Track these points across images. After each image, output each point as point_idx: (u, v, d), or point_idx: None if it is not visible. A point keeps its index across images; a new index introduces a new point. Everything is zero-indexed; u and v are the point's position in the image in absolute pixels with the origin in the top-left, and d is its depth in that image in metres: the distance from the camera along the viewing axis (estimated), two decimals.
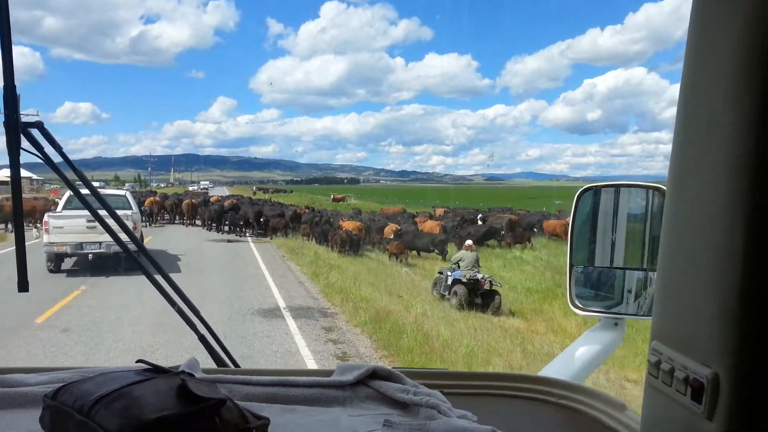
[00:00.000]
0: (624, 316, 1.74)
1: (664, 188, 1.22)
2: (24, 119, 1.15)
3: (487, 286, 14.42)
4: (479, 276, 14.55)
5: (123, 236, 1.38)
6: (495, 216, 34.73)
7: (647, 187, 1.72)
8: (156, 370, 0.83)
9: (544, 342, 11.72)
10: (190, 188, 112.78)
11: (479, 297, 14.49)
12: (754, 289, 0.63)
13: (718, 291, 0.66)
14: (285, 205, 39.71)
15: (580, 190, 1.79)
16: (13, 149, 1.12)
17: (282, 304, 12.39)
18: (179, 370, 0.92)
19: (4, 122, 1.13)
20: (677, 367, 0.71)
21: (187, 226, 31.66)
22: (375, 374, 1.04)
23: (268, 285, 14.57)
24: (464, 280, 14.47)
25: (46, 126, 1.19)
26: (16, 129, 1.12)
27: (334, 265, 18.33)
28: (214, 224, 30.13)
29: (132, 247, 1.46)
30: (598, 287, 1.84)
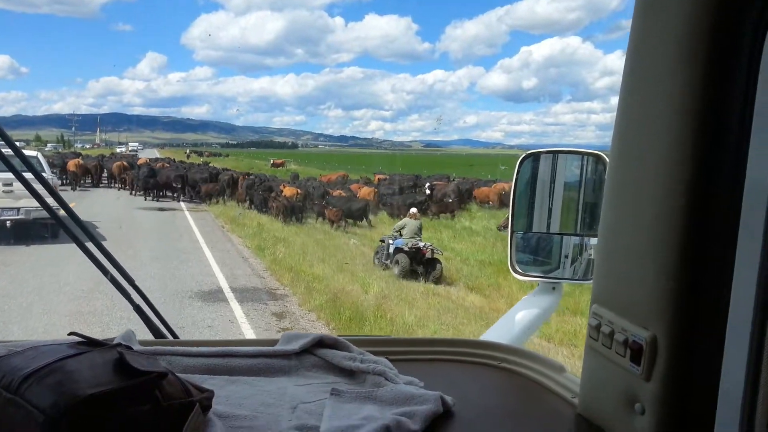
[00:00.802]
0: (561, 280, 1.77)
1: (604, 156, 1.58)
2: None
3: (428, 255, 14.30)
4: (421, 244, 14.38)
5: (50, 200, 1.33)
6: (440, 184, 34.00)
7: (587, 154, 1.72)
8: (91, 343, 0.77)
9: None
10: (118, 150, 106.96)
11: (421, 265, 14.31)
12: (691, 255, 0.67)
13: (656, 257, 0.69)
14: (223, 170, 37.96)
15: (522, 156, 1.76)
16: None
17: (225, 284, 11.04)
18: (115, 342, 0.83)
19: None
20: (617, 330, 0.74)
21: (119, 191, 29.35)
22: (321, 343, 1.00)
23: (207, 261, 13.11)
24: (406, 248, 14.27)
25: None
26: None
27: (280, 238, 16.99)
28: (142, 190, 27.75)
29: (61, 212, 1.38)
30: (536, 252, 1.83)
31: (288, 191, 24.58)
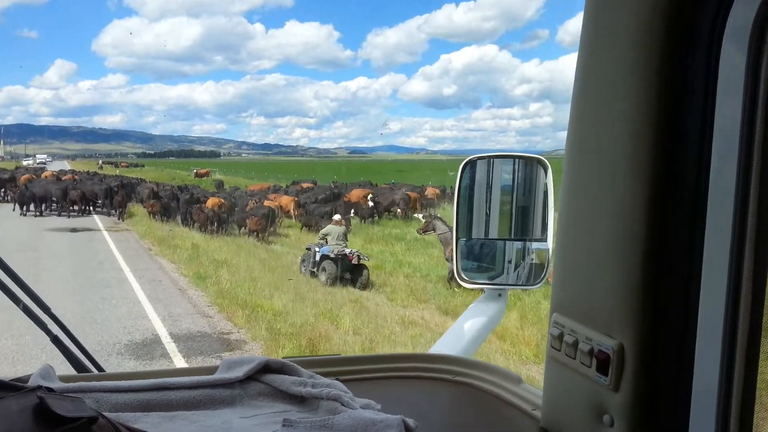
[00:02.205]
0: (506, 286, 1.77)
1: (545, 160, 1.62)
2: None
3: (355, 261, 14.20)
4: (347, 251, 14.31)
5: None
6: (388, 193, 32.40)
7: (528, 159, 1.69)
8: (2, 387, 0.65)
9: (513, 354, 9.35)
10: (24, 163, 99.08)
11: (348, 272, 14.23)
12: (657, 261, 0.65)
13: (620, 263, 0.67)
14: (141, 182, 35.44)
15: (464, 162, 1.72)
16: None
17: (162, 330, 8.70)
18: (31, 384, 0.74)
19: None
20: (581, 339, 0.72)
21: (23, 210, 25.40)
22: (267, 368, 0.93)
23: (135, 297, 10.63)
24: (332, 255, 14.15)
25: None
26: None
27: (221, 261, 14.63)
28: (48, 207, 24.94)
29: None
30: (480, 259, 1.80)
31: (211, 202, 23.74)
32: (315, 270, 14.60)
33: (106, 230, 20.23)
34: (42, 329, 1.25)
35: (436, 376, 1.17)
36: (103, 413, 0.68)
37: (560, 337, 0.76)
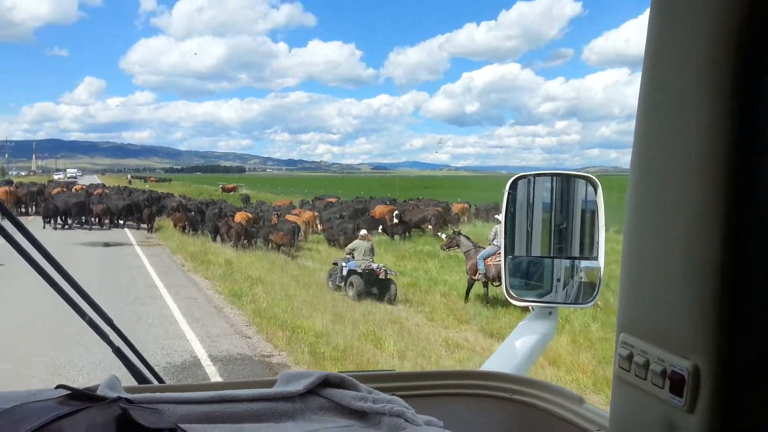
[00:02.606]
0: (555, 304, 1.73)
1: (595, 178, 1.61)
2: None
3: (382, 276, 14.20)
4: (374, 266, 14.29)
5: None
6: (418, 209, 31.92)
7: (578, 177, 1.69)
8: (83, 397, 0.68)
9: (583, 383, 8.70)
10: (55, 177, 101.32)
11: (375, 287, 14.24)
12: (734, 278, 0.63)
13: (694, 282, 0.66)
14: (168, 196, 36.05)
15: (512, 179, 1.74)
16: None
17: (201, 351, 8.30)
18: (99, 391, 0.78)
19: None
20: (653, 360, 0.71)
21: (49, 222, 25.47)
22: (326, 382, 0.93)
23: (172, 316, 10.29)
24: (359, 270, 14.16)
25: None
26: None
27: (255, 277, 14.26)
28: (75, 221, 25.33)
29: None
30: (529, 276, 1.79)
31: (240, 216, 23.86)
32: (342, 284, 14.71)
33: (138, 245, 20.10)
34: (105, 341, 1.27)
35: (493, 394, 1.16)
36: (180, 426, 0.68)
37: (629, 357, 0.73)
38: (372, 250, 15.22)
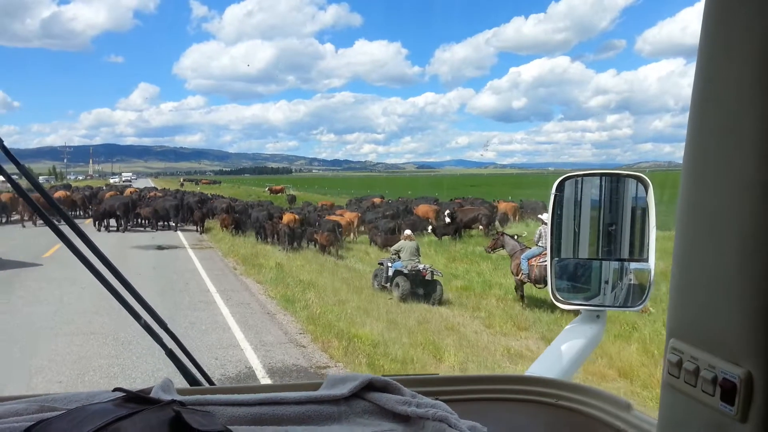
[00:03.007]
0: (604, 308, 1.69)
1: (646, 177, 1.55)
2: None
3: (428, 277, 14.04)
4: (420, 266, 14.14)
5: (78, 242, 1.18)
6: (468, 208, 31.24)
7: (628, 176, 1.65)
8: (139, 400, 0.72)
9: None
10: (111, 180, 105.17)
11: (421, 288, 14.10)
12: None
13: (749, 286, 0.64)
14: (218, 197, 36.77)
15: (558, 179, 1.69)
16: None
17: (255, 361, 8.03)
18: (153, 392, 0.81)
19: None
20: (703, 367, 0.70)
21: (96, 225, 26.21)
22: (370, 385, 0.93)
23: (225, 322, 10.11)
24: (405, 271, 14.05)
25: None
26: None
27: (307, 281, 14.02)
28: (123, 223, 26.00)
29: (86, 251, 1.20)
30: (575, 279, 1.75)
31: (287, 218, 24.04)
32: (387, 285, 14.64)
33: (190, 248, 20.25)
34: (158, 343, 1.29)
35: (538, 399, 1.13)
36: (228, 428, 0.71)
37: (679, 363, 0.72)
38: (417, 251, 15.03)
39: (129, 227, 26.17)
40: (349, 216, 28.19)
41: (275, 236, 21.89)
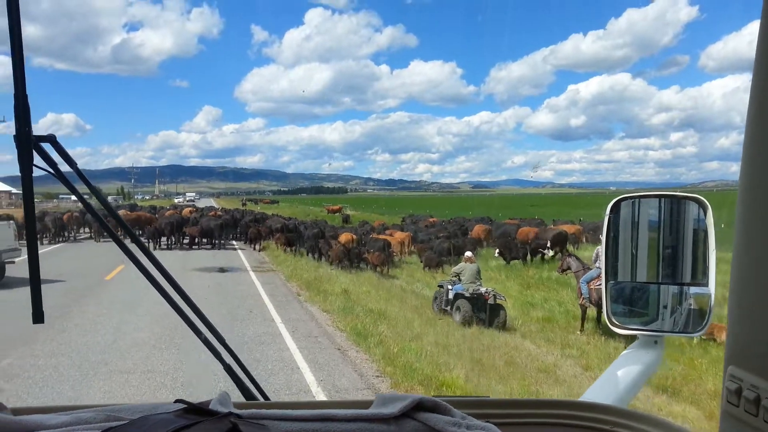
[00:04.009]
0: (662, 333, 1.62)
1: (704, 199, 1.50)
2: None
3: (491, 301, 13.53)
4: (482, 290, 13.69)
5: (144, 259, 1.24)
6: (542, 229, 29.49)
7: (685, 198, 1.60)
8: (200, 411, 0.75)
9: None
10: (176, 200, 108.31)
11: (484, 312, 13.58)
12: None
13: None
14: (273, 216, 38.17)
15: (613, 201, 1.66)
16: (26, 165, 1.03)
17: None
18: (211, 406, 0.83)
19: (15, 137, 1.02)
20: (764, 395, 0.68)
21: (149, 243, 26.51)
22: (420, 405, 0.92)
23: (292, 359, 9.03)
24: (467, 294, 13.67)
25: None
26: (29, 144, 1.03)
27: (377, 311, 12.84)
28: (186, 242, 27.75)
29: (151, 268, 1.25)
30: (632, 303, 1.67)
31: (344, 237, 24.21)
32: (448, 309, 14.25)
33: (252, 270, 19.52)
34: (217, 359, 1.36)
35: (592, 426, 1.10)
36: None
37: (738, 391, 0.71)
38: (479, 273, 14.49)
39: (177, 245, 27.41)
40: (399, 236, 28.07)
41: (329, 256, 21.91)
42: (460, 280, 14.27)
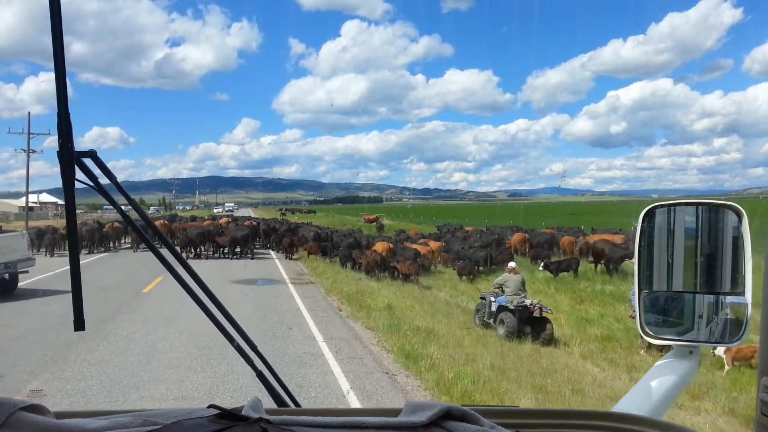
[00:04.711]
0: (698, 343, 1.58)
1: (739, 207, 1.48)
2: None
3: (536, 313, 13.04)
4: (527, 302, 13.15)
5: (182, 270, 1.28)
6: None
7: (720, 205, 1.57)
8: (232, 417, 0.77)
9: None
10: (215, 210, 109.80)
11: (528, 325, 13.04)
12: None
13: None
14: (307, 225, 39.09)
15: (646, 208, 1.62)
16: (68, 180, 1.09)
17: None
18: (244, 412, 0.84)
19: (58, 152, 1.07)
20: None
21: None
22: (449, 414, 0.91)
23: (338, 385, 8.20)
24: (511, 306, 13.19)
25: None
26: (71, 159, 1.08)
27: (424, 329, 11.96)
28: (225, 253, 28.08)
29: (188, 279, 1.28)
30: (666, 313, 1.63)
31: (380, 246, 24.19)
32: (491, 321, 13.83)
33: (291, 283, 18.88)
34: (249, 365, 1.37)
35: None
36: None
37: None
38: (523, 285, 13.95)
39: (208, 255, 28.19)
40: (433, 245, 27.74)
41: (361, 265, 21.99)
42: (503, 291, 13.74)
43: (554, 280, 23.28)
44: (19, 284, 16.28)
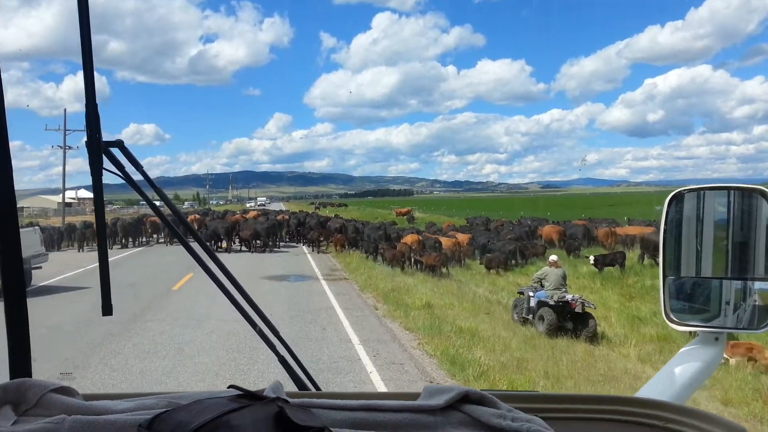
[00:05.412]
0: (724, 329, 1.54)
1: (767, 190, 1.42)
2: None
3: (578, 309, 12.34)
4: (568, 297, 12.46)
5: (210, 261, 1.32)
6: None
7: (750, 190, 1.49)
8: (250, 396, 0.79)
9: None
10: (248, 205, 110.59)
11: (570, 321, 12.47)
12: None
13: None
14: (335, 218, 38.19)
15: (671, 194, 1.59)
16: (96, 169, 1.10)
17: None
18: (265, 394, 0.85)
19: (86, 142, 1.09)
20: None
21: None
22: (467, 398, 0.92)
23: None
24: (551, 302, 12.51)
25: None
26: (99, 149, 1.09)
27: (467, 330, 11.13)
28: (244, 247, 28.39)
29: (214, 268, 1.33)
30: (692, 299, 1.58)
31: (410, 238, 24.02)
32: (529, 317, 13.24)
33: (323, 279, 18.21)
34: (272, 350, 1.40)
35: (644, 421, 1.04)
36: (329, 428, 0.75)
37: None
38: (565, 279, 13.28)
39: (231, 249, 28.13)
40: (461, 237, 27.31)
41: (388, 257, 21.82)
42: (542, 286, 13.10)
43: (599, 275, 22.09)
44: (41, 283, 16.13)
